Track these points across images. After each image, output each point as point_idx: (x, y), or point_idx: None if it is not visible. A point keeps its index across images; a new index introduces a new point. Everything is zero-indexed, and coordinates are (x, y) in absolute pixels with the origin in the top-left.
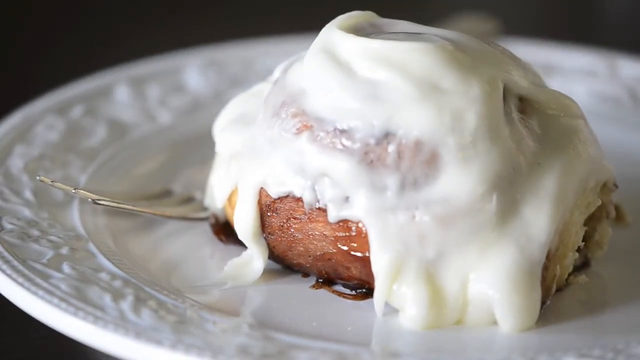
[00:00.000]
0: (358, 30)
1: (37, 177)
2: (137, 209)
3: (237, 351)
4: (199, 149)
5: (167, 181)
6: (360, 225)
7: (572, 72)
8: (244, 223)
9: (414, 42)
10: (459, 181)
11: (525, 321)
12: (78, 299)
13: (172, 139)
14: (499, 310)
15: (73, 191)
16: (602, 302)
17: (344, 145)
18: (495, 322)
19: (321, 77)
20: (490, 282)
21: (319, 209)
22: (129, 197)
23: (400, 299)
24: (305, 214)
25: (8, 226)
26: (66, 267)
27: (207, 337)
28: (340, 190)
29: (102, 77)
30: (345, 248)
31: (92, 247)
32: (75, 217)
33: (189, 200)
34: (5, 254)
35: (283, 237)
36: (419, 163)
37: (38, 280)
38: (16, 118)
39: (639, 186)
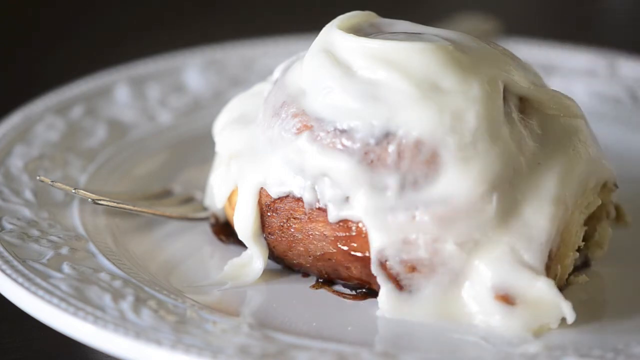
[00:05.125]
0: (358, 30)
1: (37, 177)
2: (137, 209)
3: (237, 351)
4: (199, 149)
5: (167, 181)
6: (360, 225)
7: (572, 72)
8: (244, 223)
9: (414, 42)
10: (459, 181)
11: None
12: (78, 299)
13: (172, 139)
14: (499, 311)
15: (73, 191)
16: (602, 302)
17: (344, 145)
18: (495, 322)
19: (321, 77)
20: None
21: (319, 209)
22: (129, 197)
23: None
24: (305, 214)
25: (8, 226)
26: (66, 267)
27: (207, 337)
28: (340, 190)
29: (102, 77)
30: (345, 248)
31: (92, 247)
32: (75, 217)
33: (189, 200)
34: (5, 254)
35: (283, 237)
36: (419, 163)
37: (38, 280)
38: (16, 118)
39: (639, 186)
